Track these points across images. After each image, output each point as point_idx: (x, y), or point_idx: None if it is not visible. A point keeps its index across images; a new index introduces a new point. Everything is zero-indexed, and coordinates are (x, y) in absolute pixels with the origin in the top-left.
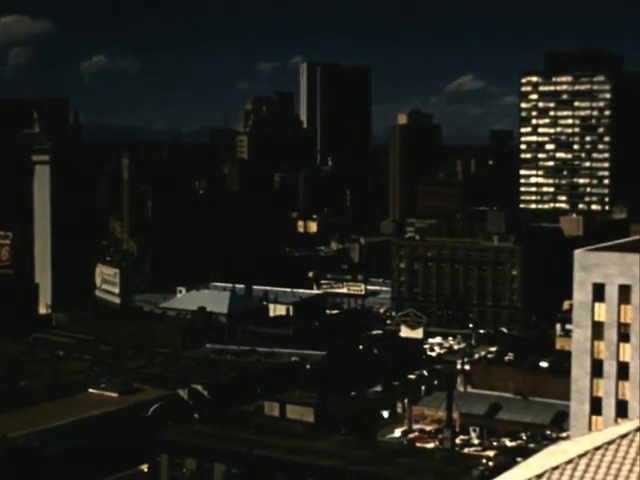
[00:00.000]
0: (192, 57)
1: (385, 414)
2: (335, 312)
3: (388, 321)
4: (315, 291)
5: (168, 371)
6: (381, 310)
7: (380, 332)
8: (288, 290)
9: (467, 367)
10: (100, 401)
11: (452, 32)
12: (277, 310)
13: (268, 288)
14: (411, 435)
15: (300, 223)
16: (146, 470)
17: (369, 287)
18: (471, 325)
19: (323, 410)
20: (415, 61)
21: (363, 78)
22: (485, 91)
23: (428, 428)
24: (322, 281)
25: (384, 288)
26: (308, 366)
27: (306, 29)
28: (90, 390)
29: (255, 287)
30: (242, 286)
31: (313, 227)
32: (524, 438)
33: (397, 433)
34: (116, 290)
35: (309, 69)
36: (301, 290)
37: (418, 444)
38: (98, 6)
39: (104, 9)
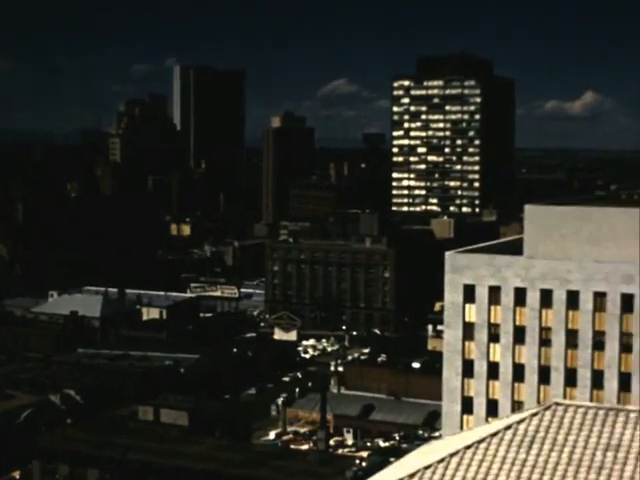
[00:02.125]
0: (66, 58)
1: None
2: (208, 315)
3: (262, 324)
4: (189, 294)
5: (40, 376)
6: (255, 313)
7: (254, 335)
8: (162, 294)
9: (340, 369)
10: None
11: (326, 36)
12: (150, 314)
13: (141, 292)
14: (285, 437)
15: (173, 226)
16: (18, 477)
17: (242, 290)
18: (344, 327)
19: (197, 414)
20: (289, 65)
21: (236, 81)
22: (358, 95)
23: (302, 430)
24: (196, 284)
25: (258, 291)
26: (182, 370)
27: (180, 31)
28: None
29: (128, 291)
30: (115, 290)
31: (186, 230)
32: (397, 438)
33: (271, 435)
34: None
35: (182, 72)
36: (174, 293)
37: (292, 446)
38: None
39: None
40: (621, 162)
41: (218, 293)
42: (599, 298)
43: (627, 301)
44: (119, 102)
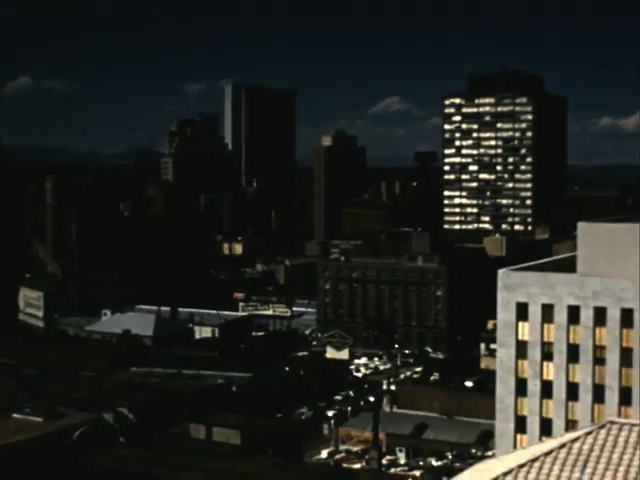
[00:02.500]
0: (118, 79)
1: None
2: (261, 334)
3: (314, 342)
4: (241, 313)
5: (93, 395)
6: (307, 332)
7: (306, 353)
8: (214, 312)
9: (393, 387)
10: (25, 426)
11: (380, 54)
12: (203, 332)
13: (194, 310)
14: (338, 456)
15: (225, 245)
16: None
17: (295, 309)
18: (396, 345)
19: (249, 432)
20: (341, 83)
21: (288, 100)
22: (410, 113)
23: (355, 449)
24: (247, 303)
25: (310, 310)
26: (234, 388)
27: (234, 50)
28: (14, 415)
29: (181, 309)
30: (167, 308)
31: (238, 249)
32: (450, 457)
33: (324, 454)
34: (40, 313)
35: (234, 91)
36: (227, 312)
37: (345, 465)
38: (21, 27)
39: (28, 30)
40: None
41: (270, 312)
42: None
43: None
44: (171, 122)
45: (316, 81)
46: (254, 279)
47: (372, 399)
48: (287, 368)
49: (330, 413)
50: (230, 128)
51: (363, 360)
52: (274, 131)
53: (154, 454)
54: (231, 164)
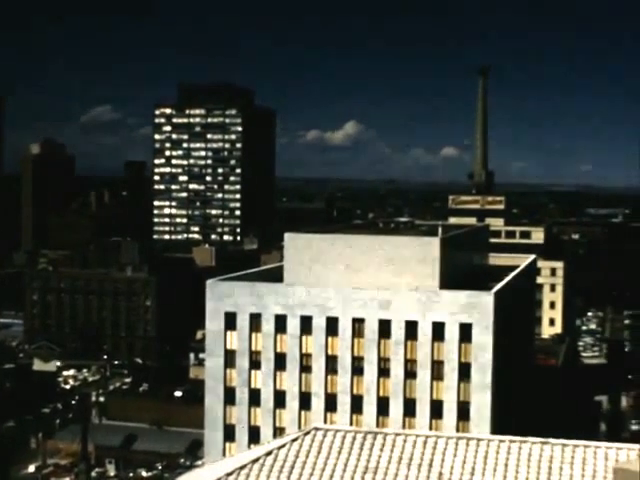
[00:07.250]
0: None
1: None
2: None
3: (21, 354)
4: None
5: None
6: (13, 343)
7: (12, 366)
8: None
9: (102, 399)
10: None
11: (91, 61)
12: None
13: None
14: (46, 470)
15: None
16: None
17: (1, 320)
18: (105, 356)
19: None
20: (51, 91)
21: None
22: (122, 122)
23: (63, 462)
24: None
25: (17, 321)
26: None
27: None
28: None
29: None
30: None
31: None
32: (160, 468)
33: (31, 469)
34: None
35: None
36: None
37: (53, 479)
38: None
39: None
40: (378, 191)
41: None
42: (357, 324)
43: (384, 326)
44: None
45: (27, 87)
46: None
47: (80, 411)
48: None
49: (37, 426)
50: None
51: (72, 372)
52: None
53: None
54: None
